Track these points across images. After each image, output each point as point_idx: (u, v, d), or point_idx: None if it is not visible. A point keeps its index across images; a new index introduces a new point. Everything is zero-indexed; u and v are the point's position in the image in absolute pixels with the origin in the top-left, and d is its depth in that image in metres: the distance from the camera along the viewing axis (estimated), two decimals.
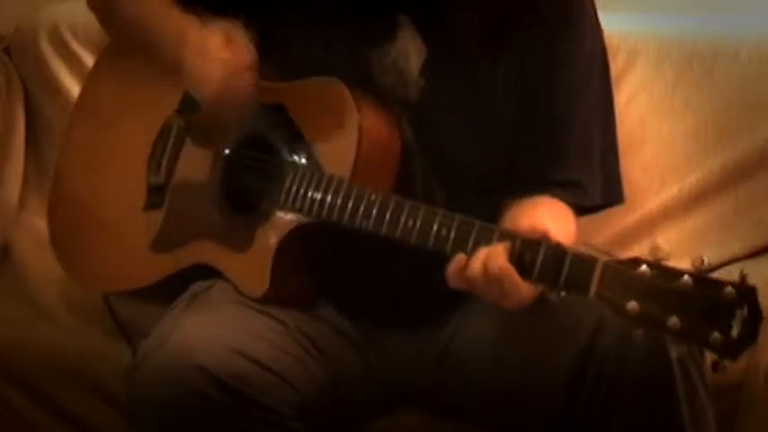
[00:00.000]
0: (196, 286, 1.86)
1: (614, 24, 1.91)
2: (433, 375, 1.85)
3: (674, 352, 1.63)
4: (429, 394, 1.87)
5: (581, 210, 1.84)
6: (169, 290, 1.89)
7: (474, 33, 1.79)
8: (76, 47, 2.40)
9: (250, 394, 1.68)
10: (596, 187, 1.85)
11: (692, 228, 2.24)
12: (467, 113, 1.82)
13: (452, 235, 1.66)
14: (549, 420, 1.75)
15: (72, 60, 2.40)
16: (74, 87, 2.38)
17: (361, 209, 1.72)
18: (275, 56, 1.86)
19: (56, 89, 2.40)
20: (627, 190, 1.92)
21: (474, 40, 1.80)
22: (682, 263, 2.19)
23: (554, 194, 1.80)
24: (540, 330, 1.75)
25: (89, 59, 2.36)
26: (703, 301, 1.48)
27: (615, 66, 2.09)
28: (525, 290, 1.62)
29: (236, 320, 1.77)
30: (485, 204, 1.76)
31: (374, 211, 1.71)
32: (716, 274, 2.12)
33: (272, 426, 1.71)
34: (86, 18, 2.10)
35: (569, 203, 1.81)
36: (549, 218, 1.72)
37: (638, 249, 2.24)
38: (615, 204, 1.91)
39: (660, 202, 2.25)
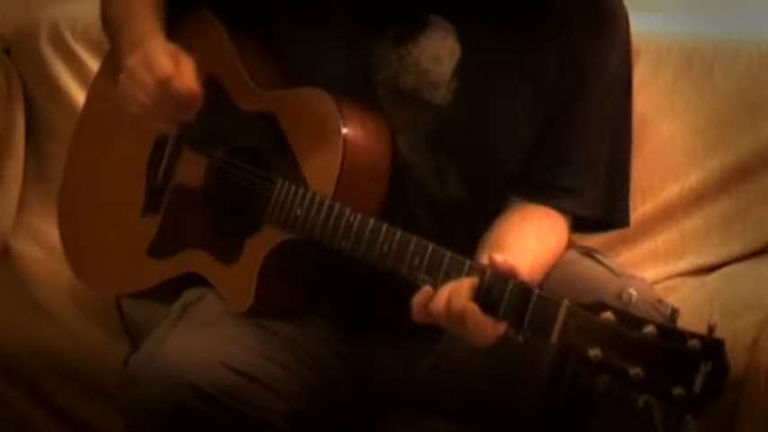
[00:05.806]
0: (189, 294, 1.86)
1: None
2: (426, 384, 1.84)
3: None
4: (421, 401, 1.87)
5: (581, 224, 1.84)
6: (173, 292, 1.89)
7: (515, 32, 1.78)
8: (76, 47, 2.40)
9: (238, 407, 1.67)
10: (596, 198, 1.83)
11: (692, 228, 2.24)
12: (500, 112, 1.80)
13: (425, 263, 1.64)
14: (536, 415, 1.75)
15: (72, 60, 2.40)
16: (74, 87, 2.38)
17: (341, 229, 1.70)
18: (281, 60, 1.85)
19: (56, 89, 2.40)
20: None
21: (514, 38, 1.78)
22: (682, 263, 2.23)
23: (551, 199, 1.80)
24: None
25: (89, 59, 2.37)
26: (667, 353, 1.43)
27: None
28: (490, 329, 1.58)
29: (224, 332, 1.76)
30: (503, 197, 1.78)
31: (352, 233, 1.69)
32: (715, 275, 2.18)
33: None
34: (86, 18, 2.11)
35: (566, 212, 1.81)
36: (533, 241, 1.71)
37: (639, 249, 2.24)
38: (619, 227, 1.90)
39: (660, 202, 2.25)
